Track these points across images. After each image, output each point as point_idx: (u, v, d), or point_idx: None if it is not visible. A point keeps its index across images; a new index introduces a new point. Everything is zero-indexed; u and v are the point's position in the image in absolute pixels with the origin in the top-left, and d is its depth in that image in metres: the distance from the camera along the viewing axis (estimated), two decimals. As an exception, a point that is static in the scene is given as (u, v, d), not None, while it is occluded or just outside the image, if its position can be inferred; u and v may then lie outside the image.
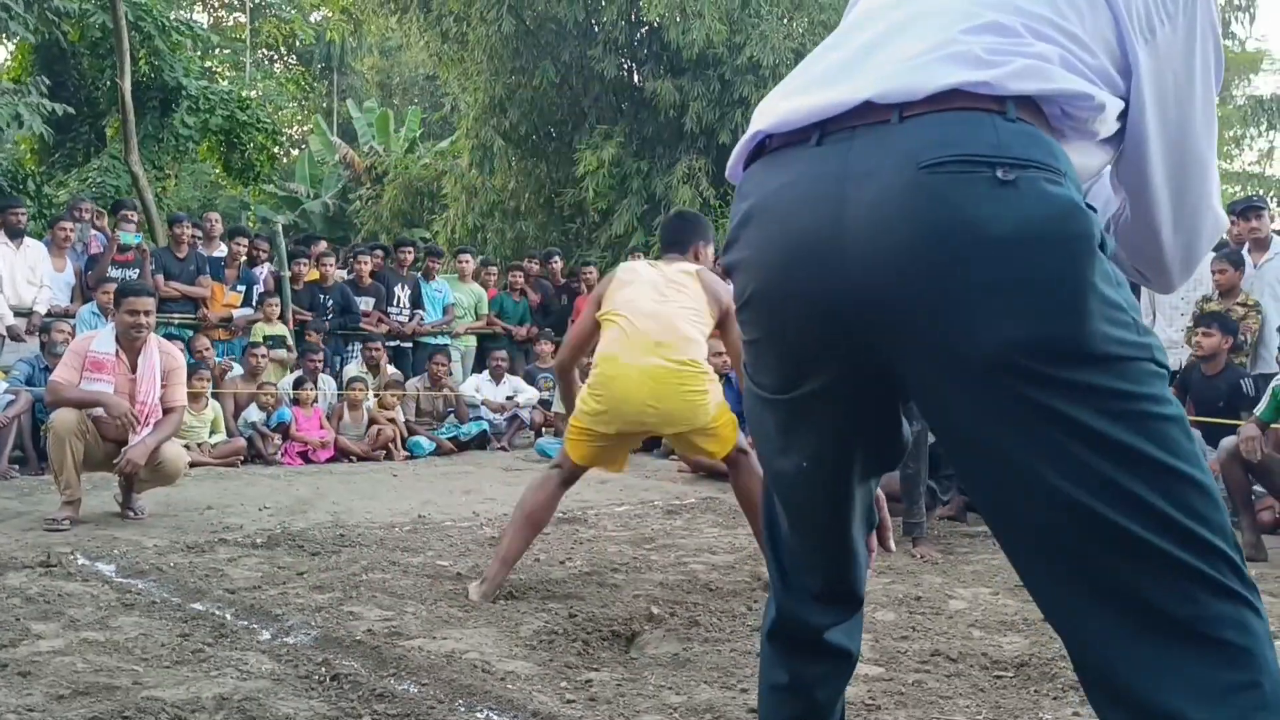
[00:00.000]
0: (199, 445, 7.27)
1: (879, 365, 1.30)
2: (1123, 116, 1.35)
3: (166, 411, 5.22)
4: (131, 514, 5.19)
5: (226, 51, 25.29)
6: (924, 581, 4.04)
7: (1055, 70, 1.25)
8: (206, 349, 7.97)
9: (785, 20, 14.12)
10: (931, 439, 4.76)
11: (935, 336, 1.21)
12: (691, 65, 13.67)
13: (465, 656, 2.91)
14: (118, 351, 5.15)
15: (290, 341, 8.72)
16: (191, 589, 3.68)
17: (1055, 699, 2.62)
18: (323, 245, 10.30)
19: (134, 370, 5.16)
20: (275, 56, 29.10)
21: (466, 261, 10.59)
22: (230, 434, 7.70)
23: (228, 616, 3.31)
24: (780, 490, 1.53)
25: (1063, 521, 1.16)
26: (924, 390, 1.28)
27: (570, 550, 4.55)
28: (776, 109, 1.38)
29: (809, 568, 1.55)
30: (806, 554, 1.55)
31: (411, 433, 8.50)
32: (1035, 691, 2.68)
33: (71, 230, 8.35)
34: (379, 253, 10.30)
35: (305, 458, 7.80)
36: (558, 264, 11.32)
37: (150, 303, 5.24)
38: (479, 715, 2.47)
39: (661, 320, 3.59)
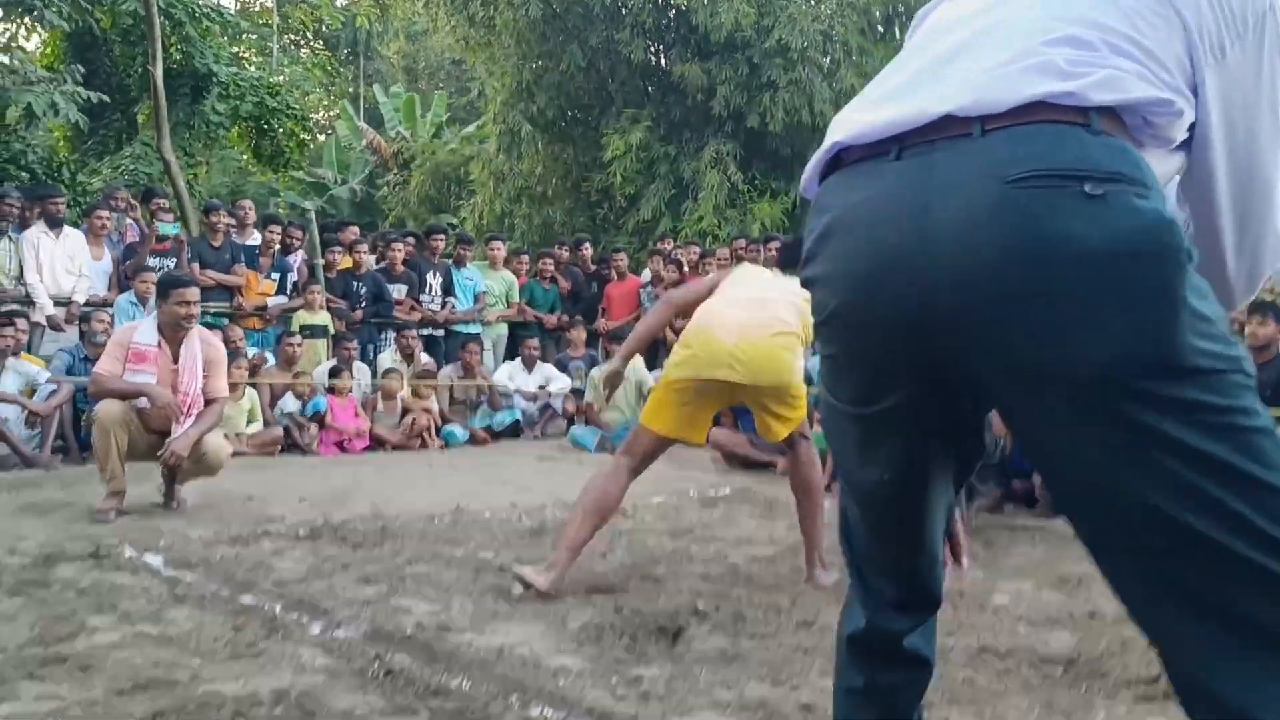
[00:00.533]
0: (236, 435, 7.33)
1: (963, 379, 1.31)
2: (1190, 128, 1.35)
3: (209, 402, 5.27)
4: (175, 505, 5.26)
5: (253, 37, 25.34)
6: (966, 576, 4.03)
7: (1134, 82, 1.25)
8: (240, 339, 8.03)
9: (814, 3, 14.05)
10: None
11: (1023, 352, 1.21)
12: (719, 48, 13.62)
13: (515, 651, 2.93)
14: (160, 342, 5.20)
15: (331, 329, 8.79)
16: (240, 581, 3.72)
17: (1108, 697, 2.62)
18: (354, 231, 10.32)
19: (176, 361, 5.21)
20: (301, 41, 29.13)
21: (498, 249, 10.60)
22: (267, 423, 7.77)
23: (278, 610, 3.35)
24: (859, 501, 1.54)
25: (1153, 534, 1.17)
26: (1011, 404, 1.29)
27: (611, 542, 4.56)
28: (853, 121, 1.38)
29: (887, 575, 1.56)
30: (884, 562, 1.56)
31: (445, 421, 8.55)
32: (1087, 690, 2.68)
33: (108, 219, 8.43)
34: (411, 240, 10.33)
35: (341, 447, 7.86)
36: (588, 251, 11.33)
37: (197, 293, 5.31)
38: (534, 713, 2.49)
39: (760, 300, 3.75)
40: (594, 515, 3.68)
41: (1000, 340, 1.22)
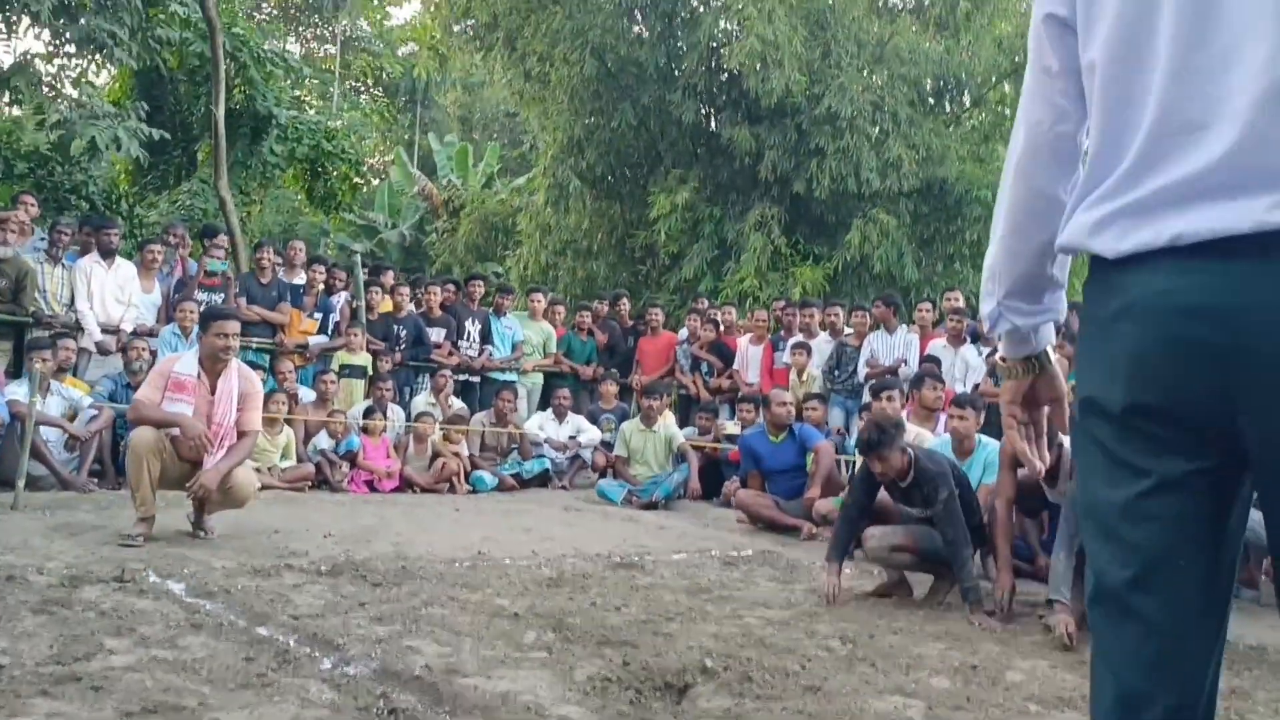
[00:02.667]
0: (269, 469, 7.43)
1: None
2: None
3: (241, 435, 5.37)
4: (202, 534, 5.33)
5: (315, 81, 26.00)
6: (981, 650, 3.98)
7: None
8: (289, 372, 8.17)
9: (865, 72, 14.19)
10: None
11: None
12: (769, 113, 13.77)
13: (519, 699, 2.94)
14: (200, 374, 5.32)
15: (370, 370, 8.91)
16: (257, 613, 3.77)
17: (1111, 782, 2.58)
18: (392, 275, 10.46)
19: (213, 392, 5.32)
20: (361, 87, 29.84)
21: (538, 300, 10.72)
22: (300, 459, 7.86)
23: (291, 643, 3.39)
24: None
25: None
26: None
27: (626, 596, 4.57)
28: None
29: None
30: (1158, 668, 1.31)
31: (475, 467, 8.61)
32: (1090, 773, 2.64)
33: (159, 253, 8.65)
34: (450, 285, 10.47)
35: (371, 486, 7.94)
36: (625, 305, 11.42)
37: (237, 327, 5.44)
38: (531, 760, 2.50)
39: None
40: None
41: None
